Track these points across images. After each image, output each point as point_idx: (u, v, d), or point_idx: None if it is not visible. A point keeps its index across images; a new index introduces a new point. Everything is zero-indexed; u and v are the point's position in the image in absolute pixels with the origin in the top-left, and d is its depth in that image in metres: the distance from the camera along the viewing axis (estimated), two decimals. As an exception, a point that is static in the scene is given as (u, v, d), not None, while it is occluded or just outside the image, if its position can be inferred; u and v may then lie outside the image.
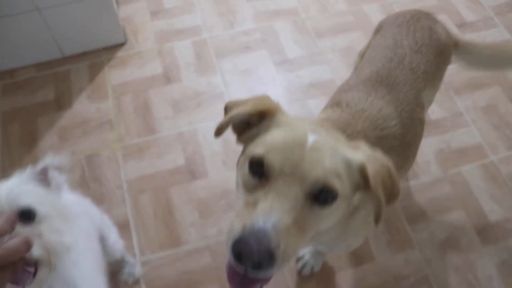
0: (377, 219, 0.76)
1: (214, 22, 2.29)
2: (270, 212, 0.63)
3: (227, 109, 0.87)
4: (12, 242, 0.64)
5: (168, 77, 2.07)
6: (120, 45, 2.16)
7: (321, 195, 0.67)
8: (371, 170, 0.72)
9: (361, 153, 0.74)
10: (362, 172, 0.72)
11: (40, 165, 0.89)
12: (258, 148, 0.72)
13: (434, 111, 2.03)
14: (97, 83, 2.03)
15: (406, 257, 1.66)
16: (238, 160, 0.80)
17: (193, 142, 1.88)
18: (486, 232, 1.74)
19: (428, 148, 1.92)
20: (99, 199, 1.71)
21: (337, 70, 2.13)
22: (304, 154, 0.67)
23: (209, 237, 1.65)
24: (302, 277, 1.59)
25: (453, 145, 1.94)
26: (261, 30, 2.25)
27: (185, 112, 1.96)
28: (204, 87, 2.05)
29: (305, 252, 1.57)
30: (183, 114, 1.96)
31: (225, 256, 1.61)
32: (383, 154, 0.77)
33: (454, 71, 2.17)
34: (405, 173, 1.16)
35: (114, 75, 2.06)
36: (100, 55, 2.12)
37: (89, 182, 1.76)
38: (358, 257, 1.64)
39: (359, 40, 2.24)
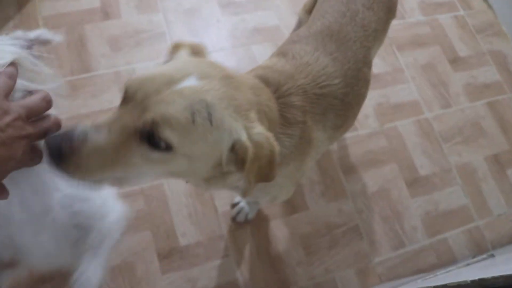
0: (244, 195, 0.73)
1: (158, -45, 2.15)
2: (94, 126, 0.62)
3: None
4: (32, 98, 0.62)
5: (106, 12, 1.93)
6: (54, -28, 1.99)
7: (152, 138, 0.62)
8: (251, 154, 0.66)
9: (245, 132, 0.66)
10: (237, 150, 0.67)
11: (31, 34, 0.79)
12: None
13: (377, 65, 2.04)
14: (26, 13, 1.86)
15: (339, 207, 1.70)
16: None
17: (130, 83, 1.79)
18: (415, 185, 1.82)
19: (368, 101, 1.93)
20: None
21: (283, 17, 2.07)
22: (162, 91, 0.62)
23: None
24: (236, 223, 1.60)
25: (391, 100, 1.98)
26: (208, -31, 2.14)
27: (123, 50, 1.86)
28: (145, 25, 1.93)
29: (240, 199, 1.57)
30: (121, 53, 1.85)
31: (159, 201, 1.59)
32: (273, 139, 0.70)
33: (398, 28, 2.18)
34: (343, 132, 1.16)
35: (46, 6, 1.89)
36: (30, -18, 1.94)
37: (16, 119, 1.65)
38: (292, 206, 1.67)
39: (308, -13, 2.19)
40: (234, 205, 1.60)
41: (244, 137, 0.66)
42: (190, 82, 0.63)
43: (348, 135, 1.84)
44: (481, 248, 1.77)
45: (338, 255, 1.63)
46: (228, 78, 0.69)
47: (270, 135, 0.69)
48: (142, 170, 0.66)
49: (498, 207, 1.87)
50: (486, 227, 1.82)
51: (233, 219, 1.60)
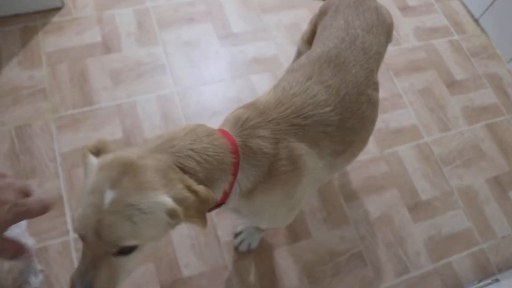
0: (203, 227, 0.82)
1: (157, -10, 2.20)
2: (84, 275, 0.74)
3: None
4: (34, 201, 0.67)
5: (107, 46, 1.97)
6: (57, 9, 2.03)
7: (124, 250, 0.75)
8: (182, 212, 0.76)
9: (168, 197, 0.76)
10: (172, 214, 0.76)
11: None
12: (76, 208, 0.78)
13: (374, 92, 2.07)
14: (30, 49, 1.90)
15: (342, 234, 1.70)
16: None
17: (132, 115, 1.81)
18: (417, 210, 1.82)
19: (367, 127, 1.96)
20: (30, 173, 1.62)
21: (281, 47, 2.11)
22: (102, 219, 0.72)
23: (146, 213, 1.61)
24: (239, 253, 1.60)
25: (391, 125, 2.00)
26: (206, 2, 2.19)
27: (125, 83, 1.89)
28: (145, 58, 1.97)
29: (243, 229, 1.58)
30: (122, 86, 1.88)
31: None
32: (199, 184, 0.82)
33: (394, 53, 2.22)
34: (351, 157, 1.16)
35: (49, 42, 1.93)
36: (33, 19, 1.98)
37: (19, 155, 1.66)
38: (295, 234, 1.67)
39: (305, 17, 2.23)
40: (237, 235, 1.60)
41: (169, 203, 0.76)
42: (109, 197, 0.73)
43: (349, 161, 1.86)
44: (486, 272, 1.75)
45: (342, 282, 1.62)
46: (126, 169, 0.76)
47: (186, 184, 0.79)
48: (133, 265, 0.80)
49: (502, 230, 1.87)
50: (490, 250, 1.81)
51: (236, 249, 1.60)
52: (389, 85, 2.12)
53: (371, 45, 1.19)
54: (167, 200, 0.75)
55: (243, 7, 2.22)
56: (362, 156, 1.89)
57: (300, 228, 1.68)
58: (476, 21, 2.49)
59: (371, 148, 1.92)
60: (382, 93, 2.08)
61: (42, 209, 0.68)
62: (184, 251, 1.58)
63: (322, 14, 1.37)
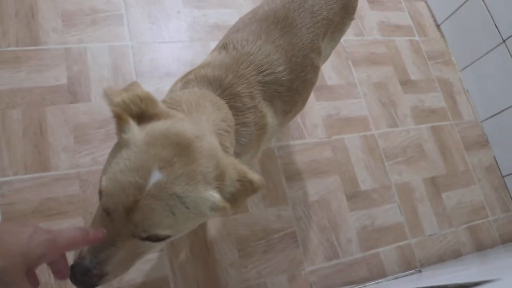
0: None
1: None
2: (99, 251, 0.69)
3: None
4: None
5: (62, -15, 1.85)
6: None
7: (152, 237, 0.69)
8: (229, 207, 0.73)
9: (217, 193, 0.71)
10: (217, 208, 0.72)
11: None
12: (103, 180, 0.69)
13: (331, 77, 2.07)
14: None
15: (278, 213, 1.70)
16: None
17: (80, 62, 1.72)
18: (355, 198, 1.85)
19: (319, 111, 1.97)
20: (-42, 105, 1.51)
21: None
22: (139, 199, 0.66)
23: (81, 166, 1.54)
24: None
25: (342, 112, 2.01)
26: (175, -42, 2.10)
27: (77, 27, 1.78)
28: (102, 5, 1.86)
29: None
30: (74, 29, 1.77)
31: (95, 187, 1.52)
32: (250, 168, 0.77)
33: (356, 43, 2.23)
34: (292, 117, 1.18)
35: (-2, -30, 1.79)
36: None
37: (-51, 84, 1.54)
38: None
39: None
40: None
41: (217, 200, 0.71)
42: (155, 178, 0.66)
43: (295, 142, 1.85)
44: (410, 265, 1.82)
45: (272, 260, 1.63)
46: (182, 150, 0.70)
47: (241, 173, 0.74)
48: (154, 251, 0.78)
49: (431, 228, 1.94)
50: (417, 245, 1.87)
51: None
52: (346, 73, 2.13)
53: (321, 10, 1.18)
54: (215, 197, 0.71)
55: (213, -30, 2.14)
56: (309, 139, 1.89)
57: (238, 201, 1.66)
58: (438, 26, 2.54)
59: (319, 132, 1.92)
60: (338, 80, 2.09)
61: (79, 238, 0.64)
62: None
63: None
